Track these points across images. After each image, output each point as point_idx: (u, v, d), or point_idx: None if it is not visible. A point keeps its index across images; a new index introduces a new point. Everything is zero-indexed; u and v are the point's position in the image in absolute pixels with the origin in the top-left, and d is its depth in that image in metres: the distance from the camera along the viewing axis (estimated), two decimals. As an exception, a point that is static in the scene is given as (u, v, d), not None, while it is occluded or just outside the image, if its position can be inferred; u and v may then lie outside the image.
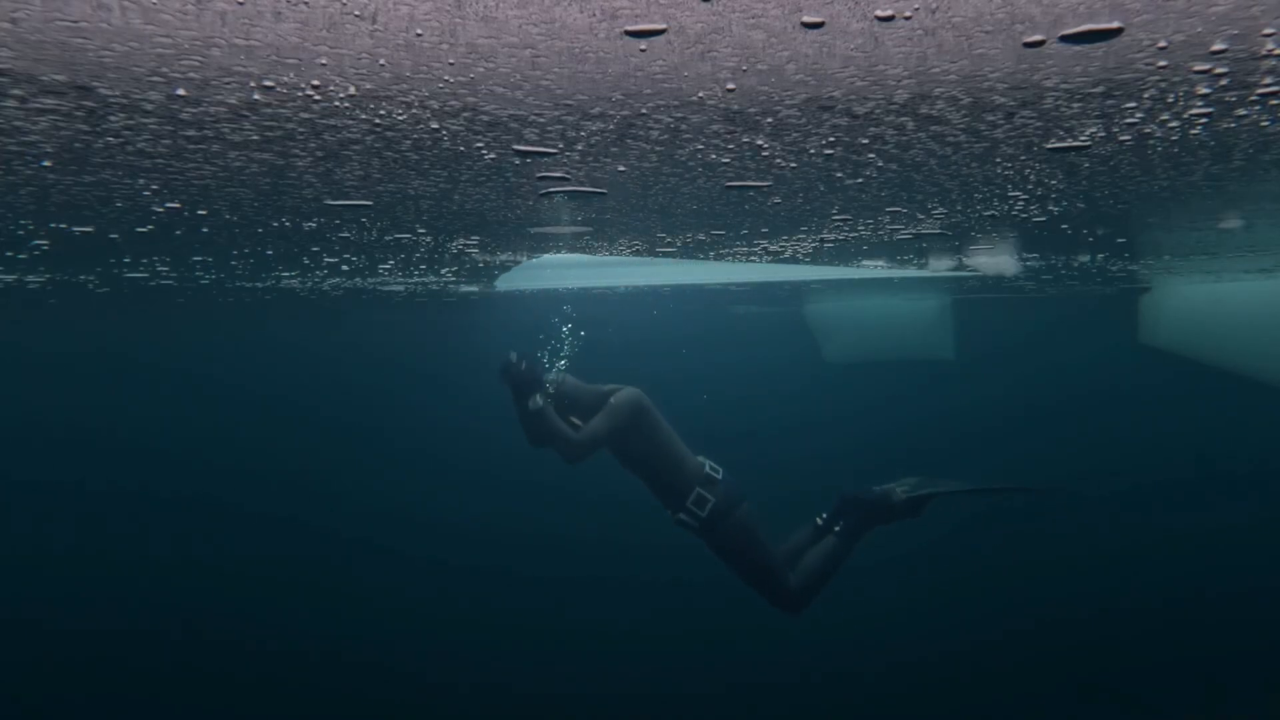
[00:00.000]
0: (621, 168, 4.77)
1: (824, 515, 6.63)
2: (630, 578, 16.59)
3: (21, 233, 6.91)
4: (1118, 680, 12.37)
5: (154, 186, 5.12)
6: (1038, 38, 2.79)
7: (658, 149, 4.32)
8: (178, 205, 5.77)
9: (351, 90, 3.24)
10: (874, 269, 12.21)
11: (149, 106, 3.42)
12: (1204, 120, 3.92)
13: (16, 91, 3.19)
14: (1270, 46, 2.93)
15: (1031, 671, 12.69)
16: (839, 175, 5.11)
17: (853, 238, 8.25)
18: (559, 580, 16.91)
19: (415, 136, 3.98)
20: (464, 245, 8.41)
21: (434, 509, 22.01)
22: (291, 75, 3.05)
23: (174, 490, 23.42)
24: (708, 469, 6.48)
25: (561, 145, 4.19)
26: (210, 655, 14.14)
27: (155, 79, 3.07)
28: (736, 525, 6.35)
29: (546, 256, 10.06)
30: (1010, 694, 12.25)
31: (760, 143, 4.20)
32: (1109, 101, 3.56)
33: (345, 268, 10.16)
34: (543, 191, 5.43)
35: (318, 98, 3.32)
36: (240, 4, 2.43)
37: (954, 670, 12.81)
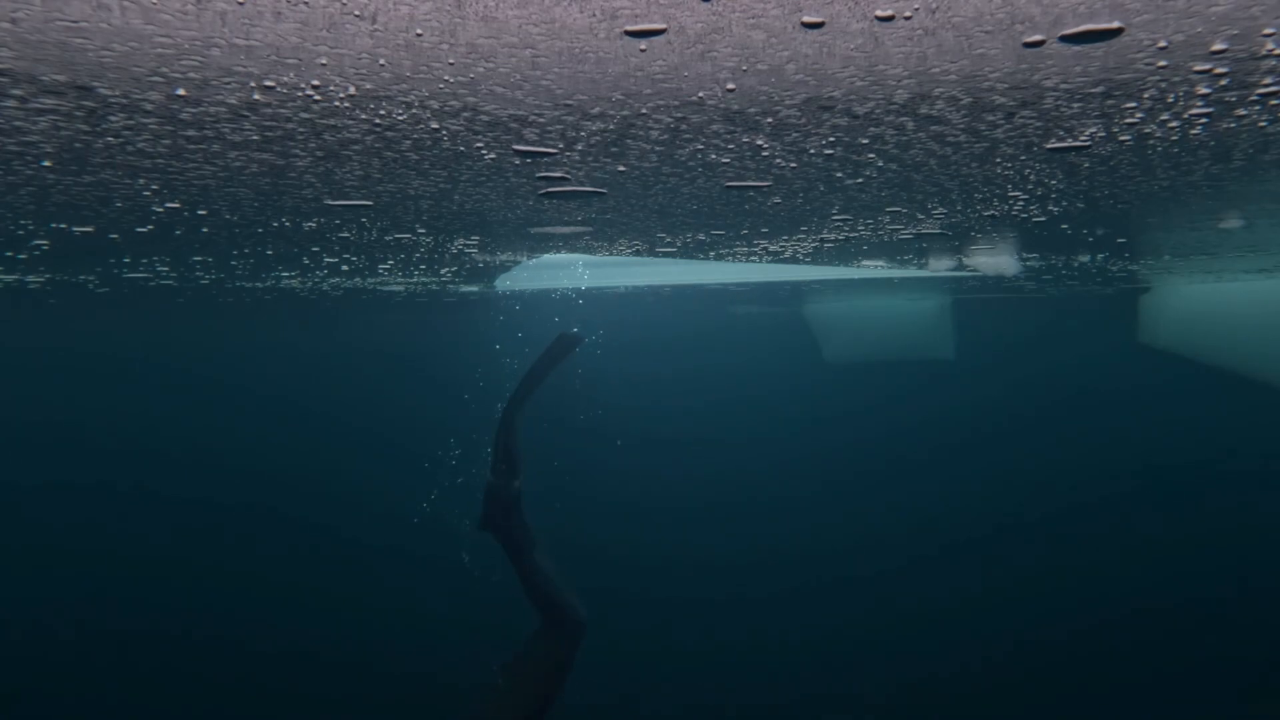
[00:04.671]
0: (621, 168, 4.77)
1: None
2: (621, 588, 16.53)
3: (21, 233, 6.91)
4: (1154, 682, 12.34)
5: (154, 186, 5.12)
6: (1038, 38, 2.79)
7: (658, 149, 4.32)
8: (178, 205, 5.77)
9: (351, 90, 3.24)
10: (874, 269, 12.21)
11: (149, 106, 3.41)
12: (1204, 120, 3.92)
13: (16, 91, 3.18)
14: (1270, 46, 2.93)
15: (1062, 675, 12.68)
16: (839, 175, 5.11)
17: (853, 238, 8.25)
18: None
19: (415, 136, 3.98)
20: (464, 245, 8.41)
21: (433, 508, 21.99)
22: (291, 75, 3.05)
23: (173, 489, 23.41)
24: None
25: (561, 145, 4.19)
26: (208, 655, 14.12)
27: (155, 79, 3.07)
28: None
29: (546, 256, 10.06)
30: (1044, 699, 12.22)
31: (760, 143, 4.20)
32: (1109, 101, 3.56)
33: (345, 268, 10.15)
34: (543, 192, 5.43)
35: (318, 98, 3.32)
36: (240, 4, 2.43)
37: (980, 676, 12.77)
